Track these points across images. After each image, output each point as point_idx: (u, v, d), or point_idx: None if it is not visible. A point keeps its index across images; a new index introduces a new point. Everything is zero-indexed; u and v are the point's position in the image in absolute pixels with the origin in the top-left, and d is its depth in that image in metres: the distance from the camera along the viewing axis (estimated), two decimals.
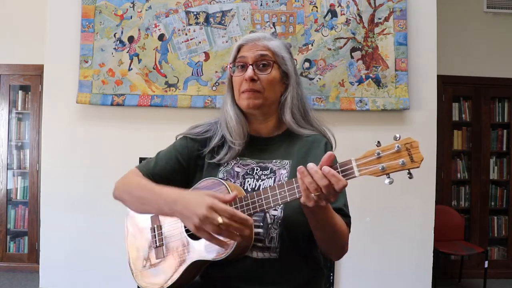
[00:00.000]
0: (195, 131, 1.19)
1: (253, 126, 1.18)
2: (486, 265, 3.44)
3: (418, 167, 0.84)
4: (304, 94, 1.20)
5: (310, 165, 0.87)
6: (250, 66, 1.12)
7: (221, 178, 1.06)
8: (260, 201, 0.95)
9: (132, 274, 1.13)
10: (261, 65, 1.13)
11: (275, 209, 1.03)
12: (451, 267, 3.91)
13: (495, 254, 4.10)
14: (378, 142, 0.87)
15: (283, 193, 0.93)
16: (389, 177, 0.85)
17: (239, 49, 1.17)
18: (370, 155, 0.87)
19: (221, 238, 0.91)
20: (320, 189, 0.86)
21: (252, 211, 0.96)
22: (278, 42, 1.18)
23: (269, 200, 0.94)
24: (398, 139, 0.85)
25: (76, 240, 3.02)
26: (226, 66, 1.21)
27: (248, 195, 0.97)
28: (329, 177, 0.85)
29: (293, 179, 0.92)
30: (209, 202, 0.90)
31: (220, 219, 0.89)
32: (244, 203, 0.97)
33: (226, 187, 1.00)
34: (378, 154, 0.86)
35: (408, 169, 0.84)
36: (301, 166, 0.88)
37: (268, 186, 1.06)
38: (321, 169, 0.87)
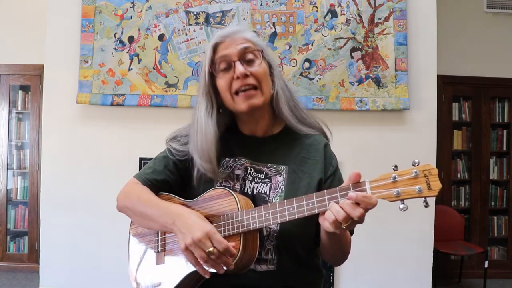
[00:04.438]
0: (178, 149, 1.10)
1: (248, 126, 1.11)
2: (486, 265, 3.44)
3: (435, 195, 0.79)
4: (288, 84, 1.12)
5: (345, 203, 0.83)
6: (238, 62, 1.01)
7: (228, 187, 1.03)
8: (267, 215, 0.92)
9: (131, 278, 1.10)
10: (247, 60, 1.03)
11: None
12: (451, 267, 3.91)
13: (495, 254, 4.10)
14: (396, 166, 0.83)
15: (291, 209, 0.90)
16: (403, 203, 0.81)
17: (214, 49, 1.04)
18: (385, 178, 0.83)
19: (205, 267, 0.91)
20: (352, 219, 0.83)
21: (258, 226, 0.93)
22: (253, 33, 1.09)
23: (276, 216, 0.92)
24: (417, 164, 0.81)
25: (76, 240, 3.02)
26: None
27: (256, 208, 0.94)
28: (360, 201, 0.82)
29: (303, 196, 0.89)
30: (208, 229, 0.90)
31: (211, 248, 0.88)
32: (250, 216, 0.94)
33: (235, 198, 0.96)
34: (394, 178, 0.81)
35: (425, 197, 0.80)
36: (333, 204, 0.84)
37: (270, 200, 1.03)
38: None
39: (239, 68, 1.01)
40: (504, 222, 4.11)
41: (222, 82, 1.04)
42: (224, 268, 0.91)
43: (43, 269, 3.05)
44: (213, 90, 1.06)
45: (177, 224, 0.94)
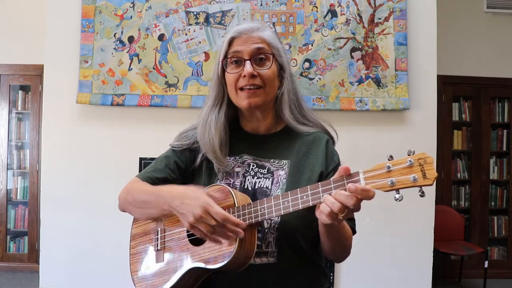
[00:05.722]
0: (184, 143, 1.14)
1: (250, 124, 1.13)
2: (486, 265, 3.44)
3: (430, 184, 0.78)
4: (297, 88, 1.14)
5: (338, 192, 0.83)
6: (248, 61, 1.04)
7: (228, 184, 1.04)
8: (262, 210, 0.93)
9: (131, 275, 1.12)
10: (258, 59, 1.06)
11: None
12: (451, 267, 3.91)
13: (495, 254, 4.10)
14: (391, 156, 0.82)
15: (286, 203, 0.90)
16: (398, 192, 0.81)
17: (230, 43, 1.07)
18: (379, 168, 0.82)
19: (217, 237, 0.92)
20: (347, 208, 0.82)
21: (253, 220, 0.94)
22: (271, 33, 1.11)
23: (271, 210, 0.92)
24: (412, 153, 0.80)
25: (76, 240, 3.02)
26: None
27: (252, 203, 0.95)
28: (359, 194, 0.81)
29: (298, 189, 0.90)
30: (204, 203, 0.91)
31: (213, 221, 0.89)
32: (246, 211, 0.95)
33: (232, 194, 0.97)
34: (388, 167, 0.81)
35: (420, 186, 0.79)
36: (326, 196, 0.84)
37: (272, 194, 1.04)
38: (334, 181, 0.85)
39: (248, 67, 1.04)
40: (504, 222, 4.10)
41: (230, 76, 1.07)
42: (238, 235, 0.91)
43: (43, 269, 3.05)
44: (224, 82, 1.10)
45: (173, 206, 0.95)
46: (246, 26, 1.08)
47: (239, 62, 1.06)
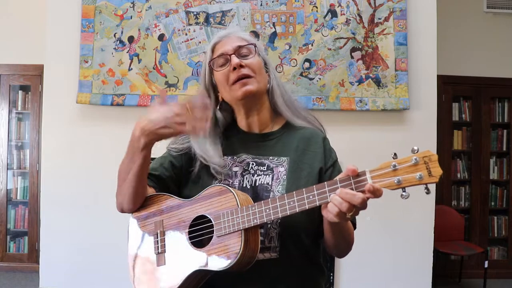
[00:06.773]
0: (180, 147, 1.15)
1: (246, 120, 1.14)
2: (486, 265, 3.44)
3: (436, 182, 0.79)
4: (285, 86, 1.18)
5: (344, 191, 0.84)
6: (233, 55, 1.08)
7: (227, 184, 1.04)
8: (267, 210, 0.92)
9: (132, 280, 1.10)
10: (242, 54, 1.10)
11: None
12: (451, 267, 3.91)
13: (495, 254, 4.10)
14: (395, 154, 0.83)
15: (292, 203, 0.90)
16: (404, 191, 0.82)
17: (213, 49, 1.13)
18: (385, 167, 0.83)
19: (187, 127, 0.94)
20: (355, 207, 0.83)
21: (258, 221, 0.93)
22: (249, 34, 1.19)
23: (277, 210, 0.91)
24: (416, 151, 0.81)
25: (76, 240, 3.02)
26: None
27: (256, 204, 0.94)
28: (375, 193, 0.83)
29: (303, 189, 0.90)
30: (140, 123, 0.98)
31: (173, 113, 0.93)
32: (251, 211, 0.94)
33: (234, 195, 0.96)
34: (394, 166, 0.82)
35: (426, 184, 0.80)
36: (334, 196, 0.85)
37: (273, 190, 1.04)
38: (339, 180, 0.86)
39: (234, 59, 1.08)
40: (504, 222, 4.10)
41: (219, 75, 1.11)
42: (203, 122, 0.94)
43: (43, 269, 3.05)
44: (212, 87, 1.14)
45: (132, 151, 1.02)
46: (225, 31, 1.16)
47: (226, 62, 1.10)
